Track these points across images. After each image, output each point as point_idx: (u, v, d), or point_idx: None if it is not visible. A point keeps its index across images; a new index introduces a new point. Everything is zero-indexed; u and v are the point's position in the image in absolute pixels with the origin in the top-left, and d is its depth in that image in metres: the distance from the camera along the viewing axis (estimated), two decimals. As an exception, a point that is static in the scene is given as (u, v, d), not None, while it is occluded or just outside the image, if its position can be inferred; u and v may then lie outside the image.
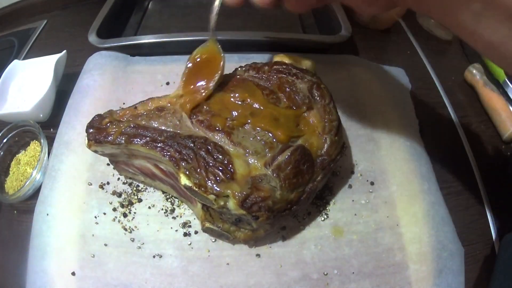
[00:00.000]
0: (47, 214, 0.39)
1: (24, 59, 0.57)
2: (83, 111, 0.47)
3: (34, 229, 0.38)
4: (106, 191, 0.41)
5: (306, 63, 0.41)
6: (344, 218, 0.40)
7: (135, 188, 0.41)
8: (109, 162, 0.42)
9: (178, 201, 0.40)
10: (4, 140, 0.46)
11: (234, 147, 0.33)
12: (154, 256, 0.37)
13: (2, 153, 0.46)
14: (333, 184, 0.42)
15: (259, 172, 0.32)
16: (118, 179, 0.42)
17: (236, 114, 0.35)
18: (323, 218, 0.40)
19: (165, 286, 0.35)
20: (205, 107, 0.36)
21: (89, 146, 0.35)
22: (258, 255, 0.37)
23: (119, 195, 0.41)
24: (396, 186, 0.42)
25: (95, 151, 0.37)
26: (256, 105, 0.35)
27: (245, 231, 0.35)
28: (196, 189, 0.31)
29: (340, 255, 0.37)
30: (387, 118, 0.48)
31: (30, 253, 0.37)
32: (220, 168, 0.31)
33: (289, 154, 0.32)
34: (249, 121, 0.34)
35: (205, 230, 0.35)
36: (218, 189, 0.30)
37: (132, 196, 0.41)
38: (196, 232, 0.38)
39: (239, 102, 0.36)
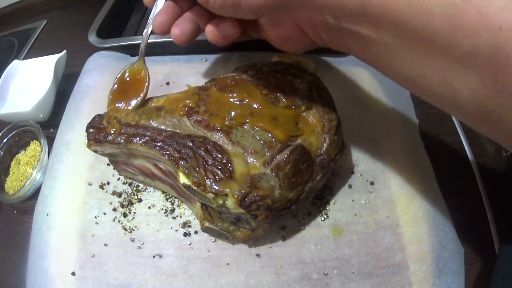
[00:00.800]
0: (47, 214, 0.39)
1: (24, 59, 0.57)
2: (83, 111, 0.47)
3: (34, 229, 0.38)
4: (106, 191, 0.41)
5: (306, 63, 0.41)
6: (344, 218, 0.40)
7: (135, 188, 0.41)
8: (109, 162, 0.42)
9: (178, 201, 0.40)
10: (4, 140, 0.46)
11: (233, 146, 0.33)
12: (154, 256, 0.37)
13: (2, 153, 0.46)
14: (333, 184, 0.42)
15: (258, 171, 0.32)
16: (118, 179, 0.42)
17: (235, 113, 0.35)
18: (323, 218, 0.40)
19: (165, 286, 0.35)
20: (203, 107, 0.36)
21: (89, 146, 0.35)
22: (258, 255, 0.37)
23: (119, 195, 0.41)
24: (396, 186, 0.42)
25: (95, 151, 0.37)
26: (255, 105, 0.35)
27: (244, 230, 0.35)
28: (195, 188, 0.31)
29: (340, 255, 0.37)
30: (387, 118, 0.48)
31: (30, 253, 0.37)
32: (219, 167, 0.31)
33: (288, 153, 0.32)
34: (247, 120, 0.34)
35: (204, 229, 0.35)
36: (216, 187, 0.30)
37: (132, 196, 0.41)
38: (196, 232, 0.38)
39: (238, 102, 0.36)
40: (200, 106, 0.36)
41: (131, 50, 0.54)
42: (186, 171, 0.31)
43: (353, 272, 0.36)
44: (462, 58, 0.21)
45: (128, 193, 0.41)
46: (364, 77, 0.52)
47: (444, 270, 0.37)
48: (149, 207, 0.40)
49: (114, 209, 0.40)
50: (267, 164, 0.32)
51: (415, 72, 0.24)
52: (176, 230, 0.38)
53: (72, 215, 0.39)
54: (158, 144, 0.33)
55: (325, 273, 0.36)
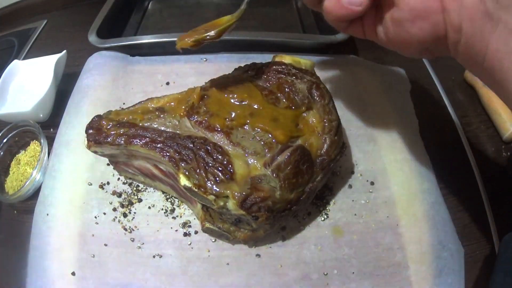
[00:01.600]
0: (47, 214, 0.39)
1: (24, 59, 0.57)
2: (83, 111, 0.47)
3: (34, 229, 0.38)
4: (106, 191, 0.41)
5: (306, 63, 0.41)
6: (344, 218, 0.40)
7: (135, 188, 0.41)
8: (109, 162, 0.42)
9: (178, 201, 0.40)
10: (4, 140, 0.46)
11: (234, 147, 0.33)
12: (154, 256, 0.37)
13: (2, 153, 0.46)
14: (333, 184, 0.42)
15: (258, 173, 0.32)
16: (118, 179, 0.42)
17: (235, 114, 0.35)
18: (323, 218, 0.40)
19: (165, 286, 0.35)
20: (203, 107, 0.36)
21: (88, 147, 0.35)
22: (258, 255, 0.37)
23: (119, 195, 0.41)
24: (396, 186, 0.42)
25: (95, 152, 0.37)
26: (255, 106, 0.35)
27: (245, 231, 0.35)
28: (196, 190, 0.31)
29: (340, 255, 0.37)
30: (387, 118, 0.48)
31: (30, 253, 0.37)
32: (220, 169, 0.31)
33: (288, 154, 0.32)
34: (248, 121, 0.34)
35: (205, 230, 0.36)
36: (217, 189, 0.30)
37: (132, 196, 0.41)
38: (196, 232, 0.38)
39: (238, 103, 0.36)
40: (200, 106, 0.36)
41: (131, 50, 0.54)
42: (187, 173, 0.31)
43: (353, 272, 0.36)
44: None
45: (128, 193, 0.41)
46: (364, 77, 0.52)
47: (444, 270, 0.37)
48: (149, 207, 0.40)
49: (114, 209, 0.40)
50: (268, 165, 0.32)
51: None
52: (176, 230, 0.38)
53: (72, 215, 0.39)
54: (159, 145, 0.33)
55: (325, 273, 0.36)
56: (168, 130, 0.34)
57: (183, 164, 0.32)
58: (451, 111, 0.52)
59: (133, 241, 0.38)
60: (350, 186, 0.42)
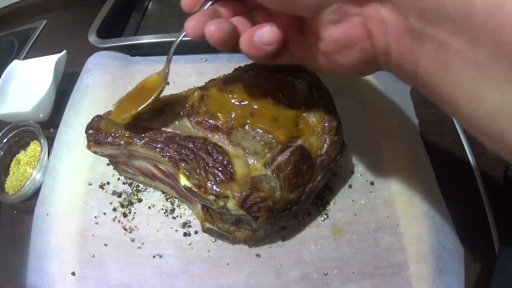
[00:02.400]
0: (47, 214, 0.39)
1: (24, 59, 0.57)
2: (83, 111, 0.47)
3: (34, 229, 0.38)
4: (106, 191, 0.41)
5: (306, 63, 0.41)
6: (344, 218, 0.40)
7: (135, 188, 0.41)
8: (109, 162, 0.42)
9: (178, 201, 0.40)
10: (4, 140, 0.46)
11: (234, 147, 0.33)
12: (154, 256, 0.37)
13: (2, 153, 0.46)
14: (333, 184, 0.42)
15: (258, 173, 0.32)
16: (118, 179, 0.42)
17: (235, 114, 0.35)
18: (323, 218, 0.40)
19: (165, 286, 0.35)
20: (203, 107, 0.36)
21: (88, 147, 0.35)
22: (258, 255, 0.37)
23: (119, 195, 0.41)
24: (396, 186, 0.42)
25: (95, 152, 0.37)
26: (255, 106, 0.35)
27: (245, 231, 0.35)
28: (196, 190, 0.31)
29: (340, 255, 0.37)
30: (387, 118, 0.48)
31: (30, 253, 0.37)
32: (220, 169, 0.31)
33: (288, 154, 0.32)
34: (248, 121, 0.34)
35: (205, 230, 0.36)
36: (217, 189, 0.30)
37: (132, 196, 0.41)
38: (196, 232, 0.38)
39: (238, 103, 0.36)
40: (200, 106, 0.36)
41: (131, 50, 0.54)
42: (187, 173, 0.31)
43: (353, 272, 0.36)
44: None
45: (128, 193, 0.41)
46: (364, 77, 0.52)
47: (444, 270, 0.37)
48: (149, 207, 0.40)
49: (114, 209, 0.40)
50: (268, 166, 0.32)
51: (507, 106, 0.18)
52: (176, 230, 0.38)
53: (72, 215, 0.39)
54: (159, 145, 0.33)
55: (325, 273, 0.36)
56: (168, 130, 0.34)
57: (183, 164, 0.32)
58: (451, 111, 0.52)
59: (133, 241, 0.38)
60: (350, 186, 0.42)
